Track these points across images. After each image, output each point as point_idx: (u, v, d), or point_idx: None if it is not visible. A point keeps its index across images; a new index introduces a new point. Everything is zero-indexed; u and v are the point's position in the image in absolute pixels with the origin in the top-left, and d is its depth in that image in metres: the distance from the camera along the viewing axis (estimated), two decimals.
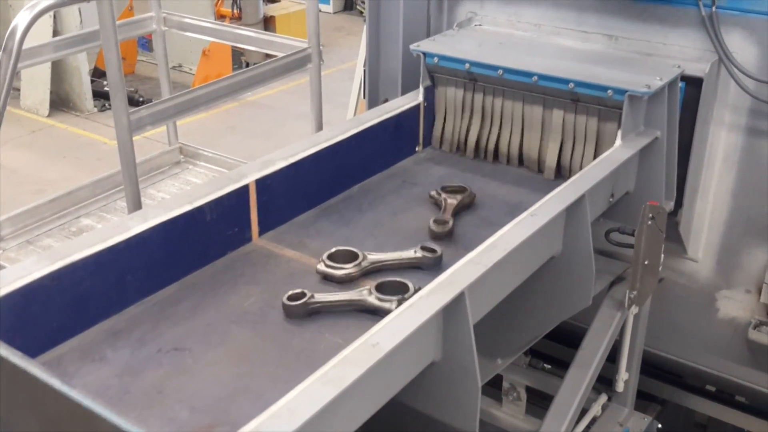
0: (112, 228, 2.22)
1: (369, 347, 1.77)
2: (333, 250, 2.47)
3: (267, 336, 2.19)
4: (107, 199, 3.86)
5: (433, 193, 2.89)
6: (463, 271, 2.05)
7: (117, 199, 3.86)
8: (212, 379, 2.02)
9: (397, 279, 2.32)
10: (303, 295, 2.24)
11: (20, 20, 2.56)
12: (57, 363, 2.04)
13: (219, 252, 2.50)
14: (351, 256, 2.44)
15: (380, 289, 2.27)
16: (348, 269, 2.41)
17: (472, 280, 2.02)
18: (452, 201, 2.82)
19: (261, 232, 2.64)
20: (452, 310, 1.97)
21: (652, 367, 3.69)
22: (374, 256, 2.47)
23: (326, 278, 2.42)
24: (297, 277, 2.45)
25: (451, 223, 2.71)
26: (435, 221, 2.70)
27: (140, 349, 2.11)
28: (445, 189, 2.90)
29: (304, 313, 2.23)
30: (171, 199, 2.39)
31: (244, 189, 2.53)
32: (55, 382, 1.66)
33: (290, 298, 2.24)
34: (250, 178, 2.56)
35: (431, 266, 2.46)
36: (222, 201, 2.46)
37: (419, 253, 2.47)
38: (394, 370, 1.86)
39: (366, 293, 2.26)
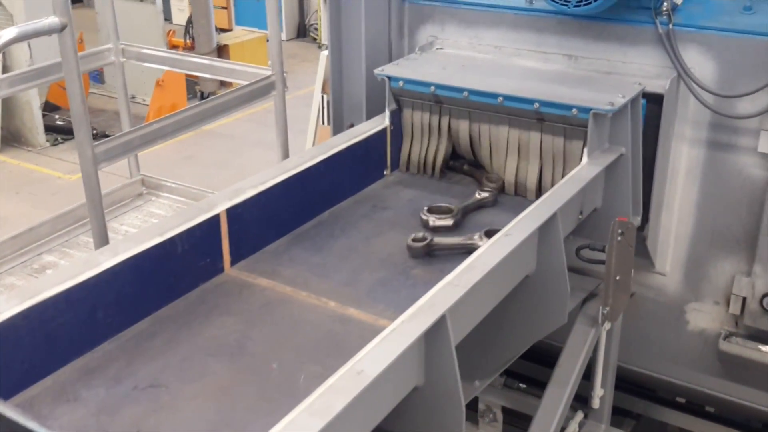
0: (82, 263, 2.17)
1: (354, 375, 1.74)
2: (432, 205, 2.96)
3: (245, 368, 2.14)
4: (69, 234, 3.78)
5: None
6: (442, 294, 2.04)
7: (79, 233, 3.78)
8: (191, 414, 1.97)
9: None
10: (425, 238, 2.71)
11: None
12: (29, 404, 1.98)
13: (191, 284, 2.45)
14: (446, 210, 2.95)
15: (488, 234, 2.69)
16: (445, 219, 2.91)
17: (453, 302, 2.00)
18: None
19: (233, 262, 2.60)
20: (434, 334, 1.96)
21: (625, 382, 3.71)
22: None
23: (425, 226, 2.89)
24: (272, 306, 2.41)
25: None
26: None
27: (115, 386, 2.05)
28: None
29: (424, 253, 2.68)
30: (141, 231, 2.34)
31: (215, 219, 2.50)
32: (33, 425, 1.61)
33: (414, 240, 2.71)
34: (220, 208, 2.52)
35: (492, 203, 3.09)
36: (193, 232, 2.42)
37: (481, 195, 3.08)
38: (379, 397, 1.83)
39: (477, 238, 2.72)
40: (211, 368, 2.13)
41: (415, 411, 2.06)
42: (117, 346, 2.19)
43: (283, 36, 15.03)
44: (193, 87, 11.20)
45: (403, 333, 1.89)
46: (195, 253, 2.43)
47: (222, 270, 2.56)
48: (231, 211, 2.54)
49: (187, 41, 12.37)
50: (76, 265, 2.17)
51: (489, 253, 2.25)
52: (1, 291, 3.29)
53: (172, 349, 2.20)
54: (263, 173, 2.74)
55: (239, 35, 12.65)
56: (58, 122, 10.19)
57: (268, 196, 2.68)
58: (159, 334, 2.25)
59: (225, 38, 12.18)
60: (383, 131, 3.26)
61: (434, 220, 2.89)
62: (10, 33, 2.35)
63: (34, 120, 9.84)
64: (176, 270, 2.38)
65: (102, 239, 2.65)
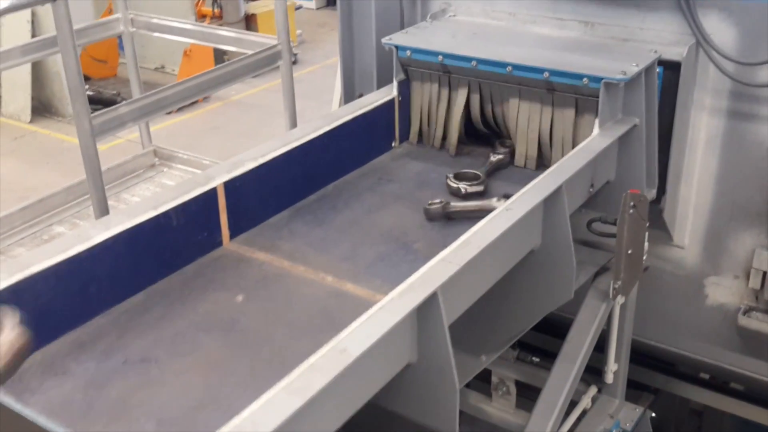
0: (73, 237, 2.15)
1: (337, 353, 1.70)
2: (458, 171, 2.93)
3: (237, 344, 2.12)
4: (80, 205, 3.78)
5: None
6: (435, 271, 1.99)
7: (90, 205, 3.77)
8: (180, 390, 1.96)
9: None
10: (442, 201, 2.70)
11: None
12: (19, 378, 1.96)
13: (188, 258, 2.43)
14: (474, 176, 2.93)
15: (507, 198, 2.61)
16: (476, 185, 2.88)
17: (445, 279, 1.95)
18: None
19: (232, 236, 2.57)
20: (425, 311, 1.91)
21: (643, 357, 3.64)
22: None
23: (456, 194, 2.86)
24: (268, 280, 2.38)
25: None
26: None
27: (105, 361, 2.04)
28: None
29: (441, 215, 2.68)
30: (135, 205, 2.32)
31: (212, 192, 2.46)
32: (9, 401, 1.60)
33: (430, 204, 2.70)
34: (218, 181, 2.49)
35: (507, 163, 3.10)
36: (189, 205, 2.39)
37: (496, 157, 3.08)
38: (365, 375, 1.79)
39: (495, 201, 2.70)
40: (202, 343, 2.11)
41: (410, 387, 2.02)
42: (109, 321, 2.18)
43: (313, 5, 14.93)
44: (222, 57, 11.16)
45: (391, 311, 1.84)
46: (191, 227, 2.41)
47: (220, 244, 2.53)
48: (229, 185, 2.50)
49: (215, 10, 12.31)
50: (67, 239, 2.15)
51: (487, 229, 2.19)
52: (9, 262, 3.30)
53: (165, 324, 2.18)
54: (264, 145, 2.70)
55: (268, 4, 12.53)
56: (88, 92, 10.16)
57: (268, 169, 2.64)
58: (152, 309, 2.24)
59: (253, 7, 12.09)
60: (391, 102, 3.19)
61: (466, 187, 2.86)
62: (2, 4, 2.32)
63: (63, 90, 9.88)
64: (171, 244, 2.36)
65: (103, 212, 2.64)
